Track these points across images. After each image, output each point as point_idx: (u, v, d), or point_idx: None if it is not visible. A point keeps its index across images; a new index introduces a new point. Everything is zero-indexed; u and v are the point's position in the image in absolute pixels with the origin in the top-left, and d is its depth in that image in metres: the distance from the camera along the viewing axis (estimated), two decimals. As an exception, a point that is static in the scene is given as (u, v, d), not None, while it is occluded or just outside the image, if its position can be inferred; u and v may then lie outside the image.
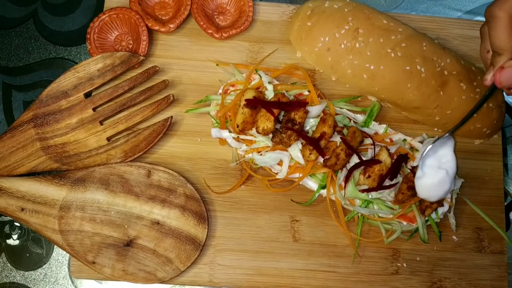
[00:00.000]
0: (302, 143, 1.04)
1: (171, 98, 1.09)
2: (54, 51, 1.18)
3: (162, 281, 1.03)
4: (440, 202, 1.04)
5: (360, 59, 1.08)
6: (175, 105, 1.12)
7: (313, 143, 1.01)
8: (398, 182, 1.04)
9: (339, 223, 1.07)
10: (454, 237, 1.11)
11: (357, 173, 1.04)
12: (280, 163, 1.06)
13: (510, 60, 0.85)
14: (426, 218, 1.06)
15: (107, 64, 1.08)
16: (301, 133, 1.02)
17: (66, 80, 1.08)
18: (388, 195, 1.04)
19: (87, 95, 1.09)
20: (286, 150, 1.05)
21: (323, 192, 1.07)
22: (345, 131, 1.05)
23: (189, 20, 1.16)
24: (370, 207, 1.06)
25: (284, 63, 1.15)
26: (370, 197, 1.04)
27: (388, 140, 1.09)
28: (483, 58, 0.93)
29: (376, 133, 1.10)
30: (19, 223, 1.09)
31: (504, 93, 1.11)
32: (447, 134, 1.00)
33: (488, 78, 0.88)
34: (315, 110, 1.05)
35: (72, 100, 1.07)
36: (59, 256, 1.09)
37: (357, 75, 1.09)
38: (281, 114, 1.05)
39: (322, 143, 1.02)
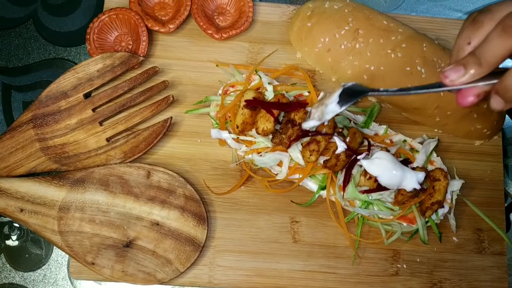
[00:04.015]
0: (302, 144, 1.04)
1: (171, 98, 1.09)
2: (54, 51, 1.18)
3: (161, 282, 1.03)
4: (440, 203, 1.03)
5: (360, 60, 1.07)
6: (175, 105, 1.12)
7: (303, 133, 1.01)
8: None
9: (339, 224, 1.07)
10: (454, 238, 1.10)
11: (357, 174, 1.04)
12: (280, 164, 1.06)
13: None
14: (426, 219, 1.06)
15: (107, 65, 1.08)
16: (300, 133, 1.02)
17: (66, 80, 1.07)
18: (388, 196, 1.04)
19: (87, 95, 1.08)
20: (286, 151, 1.05)
21: (323, 193, 1.06)
22: (345, 132, 1.05)
23: (189, 20, 1.16)
24: (370, 208, 1.05)
25: (284, 64, 1.15)
26: (370, 198, 1.04)
27: (388, 141, 1.09)
28: (459, 47, 0.75)
29: (376, 134, 1.10)
30: (18, 224, 1.09)
31: None
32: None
33: (451, 78, 0.73)
34: (315, 111, 1.05)
35: (71, 101, 1.07)
36: (59, 257, 1.08)
37: (357, 75, 1.09)
38: (281, 115, 1.05)
39: (322, 143, 1.02)
